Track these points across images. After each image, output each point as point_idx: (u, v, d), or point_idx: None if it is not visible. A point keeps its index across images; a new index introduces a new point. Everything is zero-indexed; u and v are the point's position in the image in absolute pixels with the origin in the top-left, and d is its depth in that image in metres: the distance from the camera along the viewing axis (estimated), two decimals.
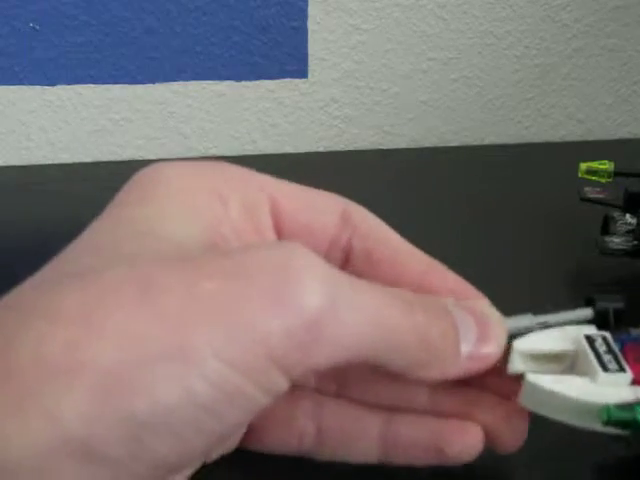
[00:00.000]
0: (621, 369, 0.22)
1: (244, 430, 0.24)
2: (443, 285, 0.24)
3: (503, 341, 0.23)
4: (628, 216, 0.36)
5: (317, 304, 0.18)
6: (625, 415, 0.21)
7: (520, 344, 0.22)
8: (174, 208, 0.22)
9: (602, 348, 0.22)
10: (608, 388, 0.21)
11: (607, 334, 0.23)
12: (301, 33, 0.49)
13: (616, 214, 0.36)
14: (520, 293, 0.35)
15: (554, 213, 0.42)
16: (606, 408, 0.21)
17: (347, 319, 0.19)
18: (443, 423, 0.23)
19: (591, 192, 0.38)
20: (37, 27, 0.46)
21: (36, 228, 0.36)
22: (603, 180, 0.37)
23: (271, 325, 0.18)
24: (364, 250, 0.24)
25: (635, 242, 0.35)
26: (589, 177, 0.37)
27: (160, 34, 0.47)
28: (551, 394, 0.21)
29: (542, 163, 0.50)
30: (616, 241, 0.35)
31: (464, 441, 0.23)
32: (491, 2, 0.51)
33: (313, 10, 0.49)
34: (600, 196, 0.38)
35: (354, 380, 0.24)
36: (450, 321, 0.22)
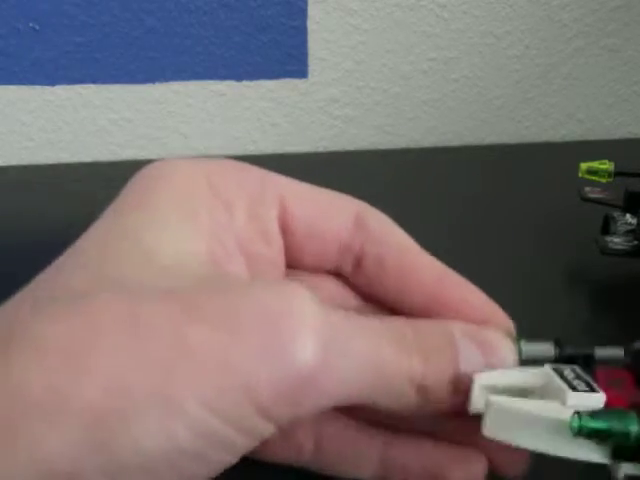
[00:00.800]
0: (593, 390, 0.20)
1: None
2: (457, 296, 0.23)
3: None
4: (628, 216, 0.36)
5: (310, 359, 0.18)
6: (599, 424, 0.19)
7: (481, 379, 0.21)
8: (172, 214, 0.21)
9: (571, 375, 0.21)
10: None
11: (576, 367, 0.21)
12: (301, 33, 0.49)
13: (616, 214, 0.36)
14: (520, 293, 0.35)
15: (554, 213, 0.42)
16: (577, 417, 0.19)
17: (340, 369, 0.19)
18: (446, 449, 0.23)
19: (591, 192, 0.38)
20: (37, 27, 0.46)
21: (36, 228, 0.36)
22: (603, 180, 0.37)
23: (259, 377, 0.18)
24: (376, 256, 0.24)
25: (635, 242, 0.35)
26: (589, 177, 0.37)
27: (160, 34, 0.47)
28: (517, 414, 0.20)
29: (542, 163, 0.50)
30: (616, 241, 0.35)
31: (466, 469, 0.22)
32: (491, 2, 0.51)
33: (313, 10, 0.49)
34: (600, 196, 0.38)
35: None
36: (451, 358, 0.21)
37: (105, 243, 0.20)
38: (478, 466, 0.23)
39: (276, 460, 0.24)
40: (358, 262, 0.24)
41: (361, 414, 0.24)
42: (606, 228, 0.36)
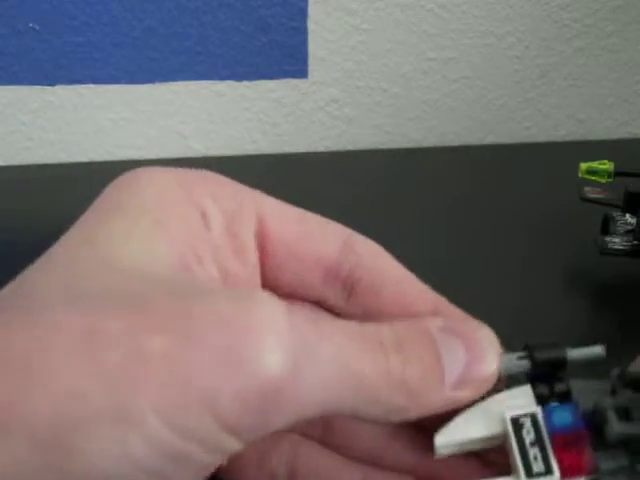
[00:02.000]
0: (548, 470, 0.19)
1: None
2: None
3: (495, 365, 0.21)
4: (628, 216, 0.36)
5: (275, 369, 0.17)
6: None
7: (440, 438, 0.20)
8: (145, 224, 0.20)
9: (529, 437, 0.20)
10: None
11: (537, 411, 0.20)
12: (301, 33, 0.49)
13: (616, 214, 0.36)
14: (519, 293, 0.35)
15: (554, 213, 0.42)
16: None
17: (310, 379, 0.18)
18: None
19: (591, 192, 0.38)
20: (37, 27, 0.46)
21: (36, 228, 0.36)
22: (603, 180, 0.37)
23: (220, 390, 0.16)
24: (369, 283, 0.23)
25: (635, 242, 0.35)
26: (589, 177, 0.37)
27: (160, 34, 0.47)
28: None
29: (542, 163, 0.50)
30: (616, 241, 0.35)
31: None
32: (491, 2, 0.51)
33: (313, 10, 0.49)
34: (600, 196, 0.38)
35: (340, 427, 0.23)
36: (431, 353, 0.20)
37: (70, 252, 0.20)
38: None
39: None
40: (351, 288, 0.23)
41: (345, 441, 0.23)
42: (606, 228, 0.36)
